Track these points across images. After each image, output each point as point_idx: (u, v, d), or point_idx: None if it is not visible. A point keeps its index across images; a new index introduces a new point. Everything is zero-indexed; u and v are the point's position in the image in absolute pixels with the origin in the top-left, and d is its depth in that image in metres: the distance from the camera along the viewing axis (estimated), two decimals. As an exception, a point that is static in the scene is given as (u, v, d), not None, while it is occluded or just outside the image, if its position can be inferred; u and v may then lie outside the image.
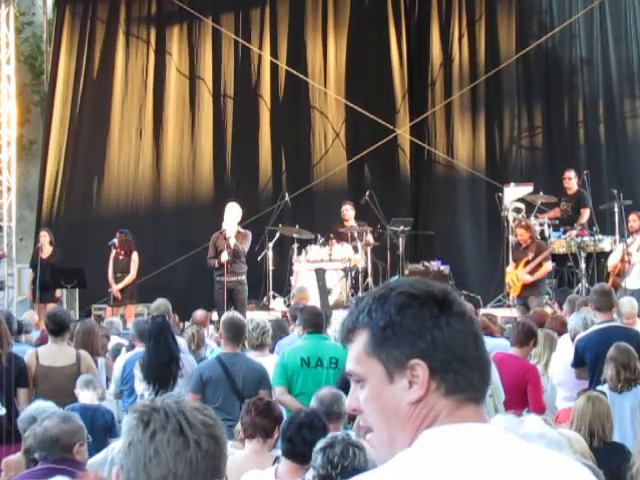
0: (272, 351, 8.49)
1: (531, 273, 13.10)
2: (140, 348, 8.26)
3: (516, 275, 13.22)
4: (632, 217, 13.29)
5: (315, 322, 7.79)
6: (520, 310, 12.91)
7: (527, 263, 13.12)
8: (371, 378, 1.75)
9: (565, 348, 8.19)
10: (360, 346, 1.77)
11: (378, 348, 1.74)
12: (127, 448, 1.89)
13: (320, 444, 4.22)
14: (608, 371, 6.86)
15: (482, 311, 12.05)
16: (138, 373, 7.47)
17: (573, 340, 8.04)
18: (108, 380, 8.74)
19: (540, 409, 7.19)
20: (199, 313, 11.25)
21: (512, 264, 13.47)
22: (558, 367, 7.91)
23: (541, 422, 2.81)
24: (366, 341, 1.76)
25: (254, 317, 8.19)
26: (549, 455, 1.77)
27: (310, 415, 4.89)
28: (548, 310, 11.92)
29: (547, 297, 13.71)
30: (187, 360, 7.77)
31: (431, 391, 1.73)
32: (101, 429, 6.90)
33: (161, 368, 7.32)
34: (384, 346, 1.74)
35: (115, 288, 14.28)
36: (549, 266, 13.36)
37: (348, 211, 15.04)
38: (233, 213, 13.41)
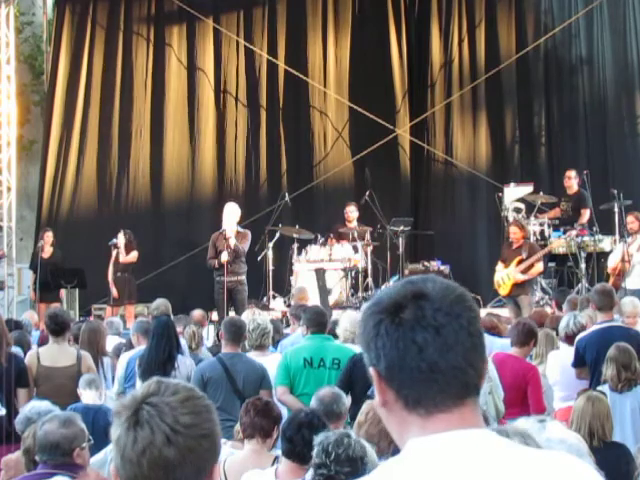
0: (275, 347, 8.53)
1: (523, 272, 13.08)
2: (143, 346, 8.28)
3: (507, 274, 13.15)
4: (630, 219, 13.23)
5: (318, 322, 7.79)
6: (512, 309, 12.89)
7: (520, 262, 13.07)
8: None
9: (560, 348, 8.20)
10: None
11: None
12: (121, 460, 1.87)
13: (317, 439, 4.21)
14: (608, 371, 6.85)
15: (483, 311, 12.02)
16: (138, 371, 7.49)
17: (562, 340, 8.08)
18: (114, 379, 8.74)
19: (540, 409, 7.19)
20: (197, 313, 11.27)
21: (501, 263, 13.37)
22: (553, 366, 7.91)
23: (563, 428, 2.80)
24: None
25: (257, 317, 8.17)
26: (537, 458, 1.71)
27: (310, 415, 4.88)
28: (547, 310, 11.92)
29: (547, 297, 13.71)
30: (184, 362, 7.76)
31: (393, 402, 1.72)
32: (103, 429, 6.88)
33: (156, 367, 7.33)
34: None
35: (115, 292, 14.30)
36: (541, 266, 13.33)
37: (352, 212, 15.07)
38: (232, 213, 13.40)
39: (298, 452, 4.66)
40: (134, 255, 14.48)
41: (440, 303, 1.71)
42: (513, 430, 2.46)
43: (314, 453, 4.14)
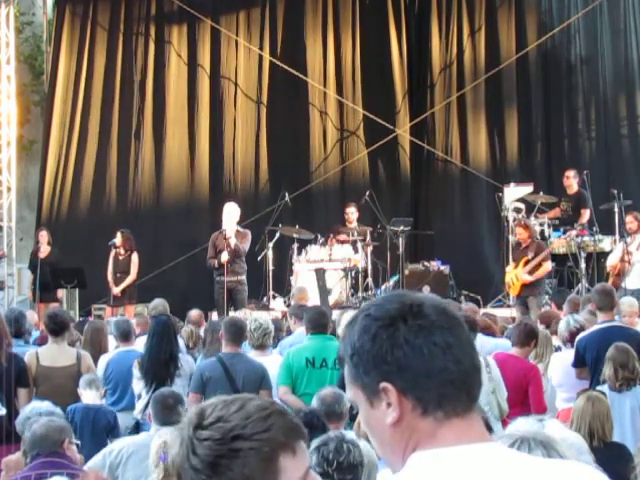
0: (275, 346, 8.53)
1: (530, 273, 13.09)
2: (123, 347, 8.33)
3: (515, 275, 13.20)
4: (629, 219, 13.22)
5: (320, 322, 7.79)
6: (519, 310, 12.90)
7: (527, 263, 13.11)
8: (358, 404, 1.77)
9: (563, 349, 8.20)
10: (345, 374, 1.78)
11: (353, 377, 1.75)
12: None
13: (314, 444, 4.19)
14: (607, 371, 6.85)
15: (482, 311, 12.02)
16: (137, 372, 7.48)
17: (564, 343, 8.09)
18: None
19: (541, 409, 7.19)
20: (194, 313, 11.27)
21: (512, 264, 13.47)
22: (557, 368, 7.91)
23: (562, 426, 2.80)
24: (345, 370, 1.77)
25: (258, 317, 8.18)
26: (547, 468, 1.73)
27: (309, 415, 4.88)
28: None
29: (547, 297, 13.70)
30: (185, 360, 7.78)
31: (408, 412, 1.70)
32: (103, 429, 6.90)
33: (160, 366, 7.34)
34: (357, 374, 1.74)
35: (115, 291, 14.26)
36: (549, 266, 13.34)
37: (352, 214, 15.07)
38: (232, 213, 13.40)
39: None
40: (136, 261, 14.39)
41: (436, 308, 1.73)
42: (535, 440, 2.45)
43: (313, 462, 4.11)
